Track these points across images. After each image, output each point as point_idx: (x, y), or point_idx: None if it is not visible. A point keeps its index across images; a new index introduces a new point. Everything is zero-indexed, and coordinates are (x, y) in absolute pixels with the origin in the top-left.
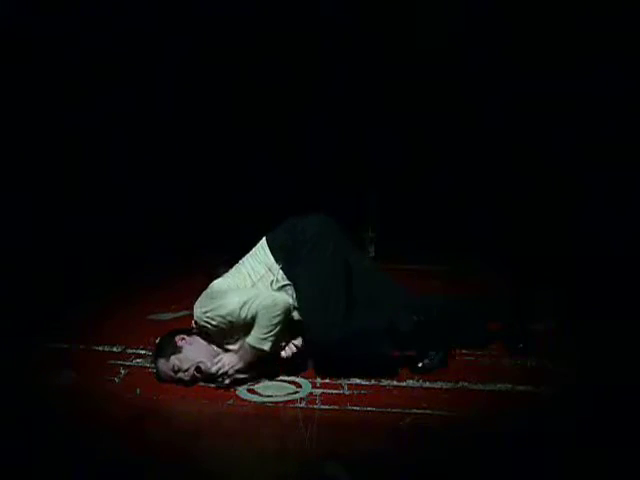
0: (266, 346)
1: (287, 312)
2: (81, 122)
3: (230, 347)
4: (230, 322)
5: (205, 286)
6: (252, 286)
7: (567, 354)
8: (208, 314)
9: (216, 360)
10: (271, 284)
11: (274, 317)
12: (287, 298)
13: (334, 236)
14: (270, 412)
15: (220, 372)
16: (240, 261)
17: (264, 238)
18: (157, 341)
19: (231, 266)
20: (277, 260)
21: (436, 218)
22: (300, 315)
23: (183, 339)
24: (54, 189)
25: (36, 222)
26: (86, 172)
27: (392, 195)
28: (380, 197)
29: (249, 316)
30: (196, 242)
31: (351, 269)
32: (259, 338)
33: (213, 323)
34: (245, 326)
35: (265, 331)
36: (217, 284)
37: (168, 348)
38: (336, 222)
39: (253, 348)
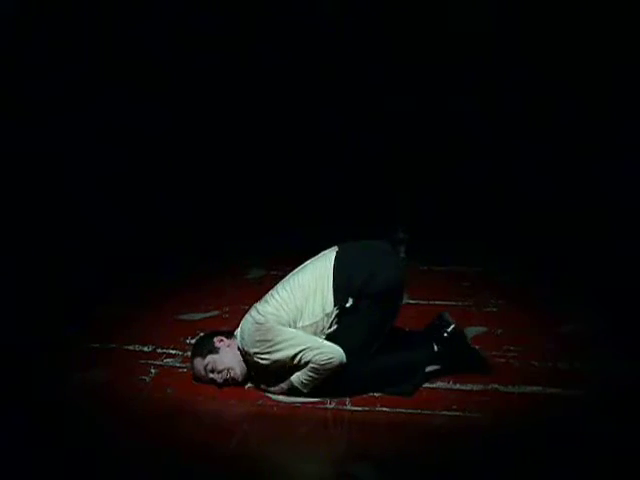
0: (306, 390)
1: (339, 368)
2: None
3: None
4: (279, 365)
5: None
6: (302, 328)
7: (598, 356)
8: (259, 356)
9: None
10: (322, 330)
11: (325, 371)
12: (343, 356)
13: (398, 296)
14: (300, 413)
15: (263, 389)
16: (297, 281)
17: (331, 266)
18: (196, 339)
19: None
20: (336, 304)
21: (468, 218)
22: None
23: (222, 341)
24: (80, 189)
25: (68, 222)
26: (111, 170)
27: (425, 195)
28: (413, 197)
29: (301, 363)
30: (225, 243)
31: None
32: (302, 382)
33: (262, 363)
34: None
35: (310, 380)
36: (271, 321)
37: (206, 347)
38: (405, 275)
39: (293, 386)
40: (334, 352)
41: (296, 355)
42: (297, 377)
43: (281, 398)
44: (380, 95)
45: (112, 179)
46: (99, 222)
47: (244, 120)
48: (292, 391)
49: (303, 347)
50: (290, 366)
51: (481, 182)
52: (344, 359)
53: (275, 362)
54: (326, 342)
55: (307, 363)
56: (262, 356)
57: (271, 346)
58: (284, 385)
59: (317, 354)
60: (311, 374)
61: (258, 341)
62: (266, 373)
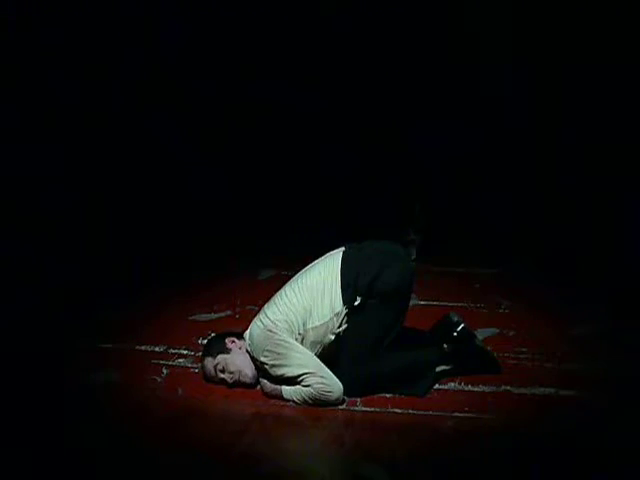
0: (292, 402)
1: (334, 403)
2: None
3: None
4: (283, 378)
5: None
6: (312, 329)
7: (610, 358)
8: (266, 365)
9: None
10: (332, 330)
11: (319, 401)
12: (342, 393)
13: (406, 295)
14: (310, 413)
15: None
16: (304, 281)
17: (339, 266)
18: (207, 339)
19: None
20: (345, 303)
21: (481, 220)
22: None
23: (233, 342)
24: (97, 188)
25: (81, 224)
26: (127, 172)
27: (436, 196)
28: (424, 198)
29: (302, 383)
30: (236, 244)
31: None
32: (293, 399)
33: (267, 370)
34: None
35: (301, 401)
36: (282, 330)
37: (217, 347)
38: (413, 274)
39: (282, 394)
40: (335, 387)
41: (300, 375)
42: (289, 392)
43: (294, 400)
44: (382, 94)
45: (125, 179)
46: (112, 224)
47: (255, 118)
48: (280, 398)
49: (308, 371)
50: (292, 381)
51: (493, 183)
52: (341, 397)
53: (279, 376)
54: (332, 374)
55: (307, 386)
56: (267, 367)
57: (279, 359)
58: (273, 392)
59: (319, 382)
60: (305, 397)
61: (267, 351)
62: (269, 377)
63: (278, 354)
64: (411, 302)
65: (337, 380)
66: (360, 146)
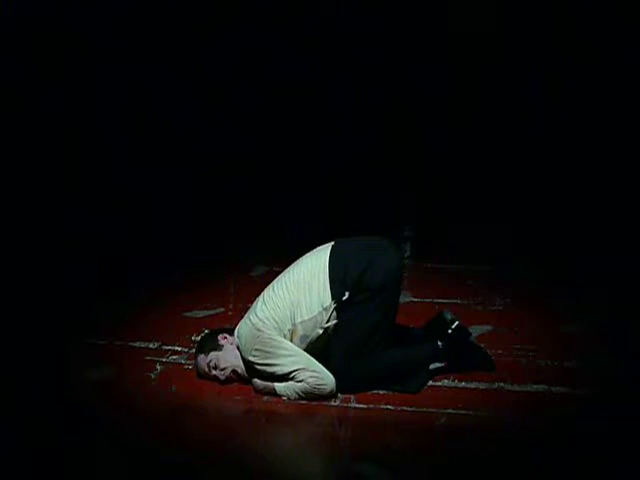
0: (286, 398)
1: (328, 395)
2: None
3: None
4: (274, 376)
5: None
6: (300, 323)
7: (604, 355)
8: (257, 365)
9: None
10: (321, 324)
11: (313, 395)
12: (334, 385)
13: (396, 289)
14: (304, 410)
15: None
16: (292, 276)
17: (327, 260)
18: (200, 336)
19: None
20: (333, 297)
21: (475, 218)
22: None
23: (225, 338)
24: (93, 188)
25: (73, 221)
26: (122, 171)
27: (432, 194)
28: (419, 194)
29: (295, 379)
30: (229, 240)
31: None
32: (288, 395)
33: (257, 369)
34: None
35: (296, 397)
36: (270, 328)
37: (209, 344)
38: (402, 268)
39: (276, 391)
40: (328, 380)
41: (291, 372)
42: (282, 388)
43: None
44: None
45: (114, 176)
46: (103, 220)
47: (242, 118)
48: (273, 394)
49: (300, 367)
50: (284, 378)
51: (487, 182)
52: (335, 389)
53: (271, 374)
54: (323, 367)
55: (299, 381)
56: (257, 366)
57: (268, 358)
58: (265, 389)
59: (312, 376)
60: (299, 392)
61: (257, 350)
62: (259, 376)
63: (267, 352)
64: (404, 299)
65: (329, 373)
66: (355, 141)
